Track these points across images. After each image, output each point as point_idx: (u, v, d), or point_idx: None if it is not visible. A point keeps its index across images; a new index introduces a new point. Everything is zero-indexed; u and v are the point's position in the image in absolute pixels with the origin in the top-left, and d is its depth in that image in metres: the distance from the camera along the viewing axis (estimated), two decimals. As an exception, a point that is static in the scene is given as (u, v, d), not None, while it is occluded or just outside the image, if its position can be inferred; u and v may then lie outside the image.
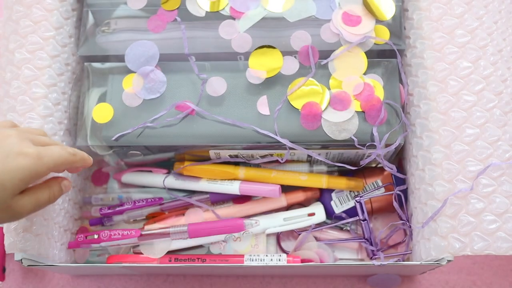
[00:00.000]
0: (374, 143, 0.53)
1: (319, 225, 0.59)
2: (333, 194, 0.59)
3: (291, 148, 0.53)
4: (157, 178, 0.59)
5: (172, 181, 0.59)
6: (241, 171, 0.57)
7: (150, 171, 0.60)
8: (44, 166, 0.41)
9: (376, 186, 0.59)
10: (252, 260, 0.55)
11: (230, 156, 0.57)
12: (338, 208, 0.59)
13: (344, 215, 0.59)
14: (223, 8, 0.57)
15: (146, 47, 0.56)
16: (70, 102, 0.57)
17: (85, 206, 0.63)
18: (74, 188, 0.60)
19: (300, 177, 0.58)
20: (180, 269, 0.58)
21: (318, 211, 0.58)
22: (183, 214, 0.59)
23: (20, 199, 0.40)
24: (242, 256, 0.56)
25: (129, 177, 0.61)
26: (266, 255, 0.55)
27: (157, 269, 0.58)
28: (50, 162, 0.42)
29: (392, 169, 0.55)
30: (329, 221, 0.60)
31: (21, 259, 0.49)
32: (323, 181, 0.57)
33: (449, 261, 0.47)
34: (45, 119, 0.53)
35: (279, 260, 0.55)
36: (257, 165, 0.59)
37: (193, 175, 0.58)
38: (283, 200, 0.59)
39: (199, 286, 0.61)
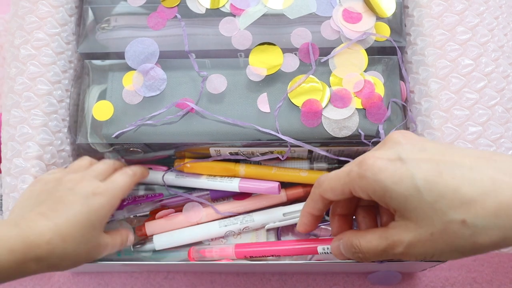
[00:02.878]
0: (376, 139, 0.53)
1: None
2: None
3: (292, 146, 0.53)
4: (157, 175, 0.60)
5: (172, 178, 0.59)
6: (242, 168, 0.57)
7: (150, 168, 0.61)
8: (117, 198, 0.48)
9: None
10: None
11: (231, 153, 0.57)
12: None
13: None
14: (223, 5, 0.56)
15: (146, 44, 0.56)
16: (71, 100, 0.57)
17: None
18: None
19: (300, 173, 0.58)
20: (180, 266, 0.59)
21: None
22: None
23: (104, 238, 0.46)
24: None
25: None
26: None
27: (157, 266, 0.58)
28: (120, 193, 0.48)
29: None
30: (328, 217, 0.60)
31: (22, 257, 0.49)
32: None
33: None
34: (49, 116, 0.53)
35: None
36: (258, 162, 0.59)
37: (193, 172, 0.58)
38: (283, 196, 0.59)
39: (199, 282, 0.61)
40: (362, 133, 0.52)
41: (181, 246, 0.58)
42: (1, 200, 0.59)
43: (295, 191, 0.59)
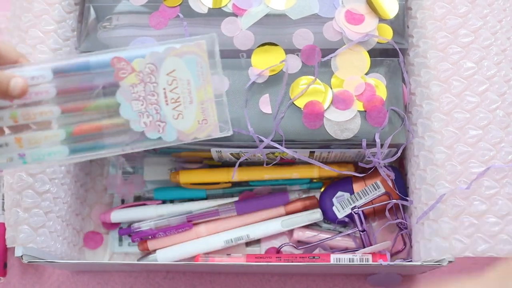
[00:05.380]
0: (376, 144, 0.53)
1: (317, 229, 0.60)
2: (334, 199, 0.59)
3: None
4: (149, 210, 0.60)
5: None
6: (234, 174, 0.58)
7: (144, 204, 0.61)
8: None
9: (376, 188, 0.59)
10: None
11: (232, 155, 0.56)
12: (341, 213, 0.59)
13: (347, 219, 0.59)
14: (226, 5, 0.56)
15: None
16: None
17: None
18: (76, 183, 0.59)
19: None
20: (179, 266, 0.59)
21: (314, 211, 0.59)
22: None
23: None
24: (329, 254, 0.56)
25: (119, 214, 0.61)
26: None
27: (156, 266, 0.58)
28: None
29: (389, 176, 0.56)
30: (331, 226, 0.60)
31: (21, 256, 0.49)
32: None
33: (450, 262, 0.47)
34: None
35: (367, 260, 0.56)
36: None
37: (189, 181, 0.59)
38: (282, 210, 0.60)
39: (199, 283, 0.61)
40: (364, 141, 0.52)
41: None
42: (3, 199, 0.59)
43: (293, 205, 0.60)
